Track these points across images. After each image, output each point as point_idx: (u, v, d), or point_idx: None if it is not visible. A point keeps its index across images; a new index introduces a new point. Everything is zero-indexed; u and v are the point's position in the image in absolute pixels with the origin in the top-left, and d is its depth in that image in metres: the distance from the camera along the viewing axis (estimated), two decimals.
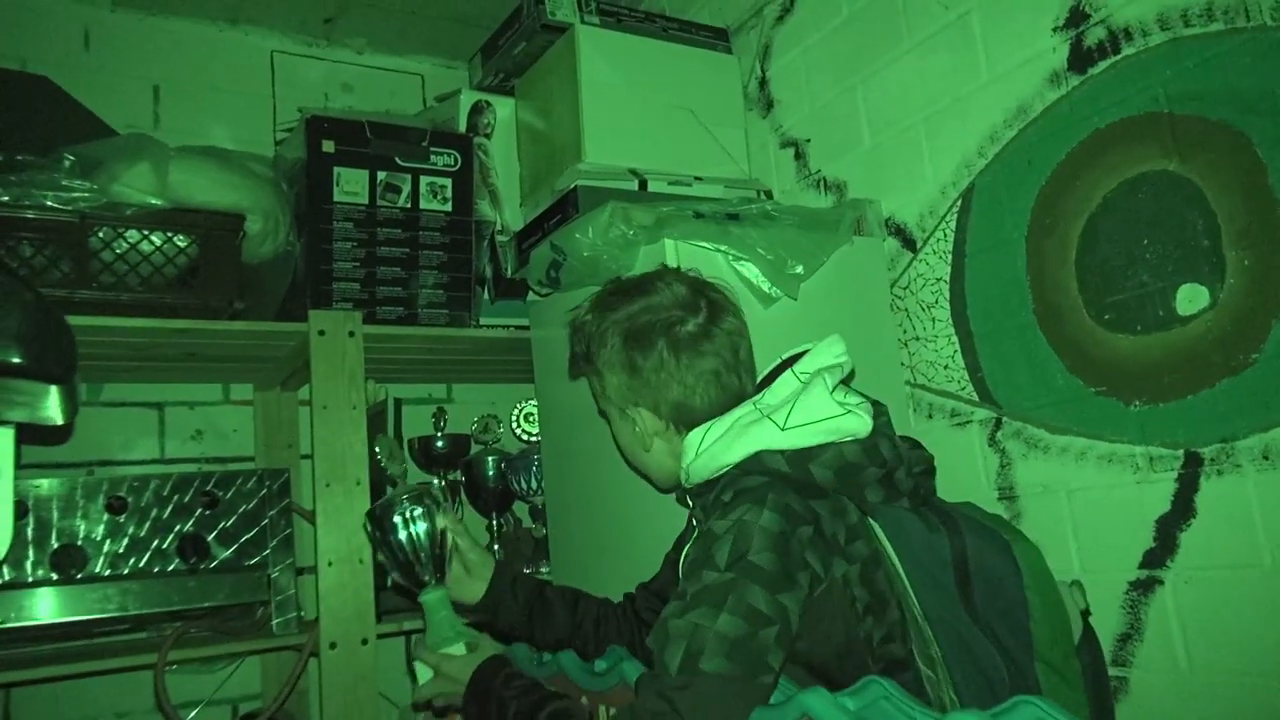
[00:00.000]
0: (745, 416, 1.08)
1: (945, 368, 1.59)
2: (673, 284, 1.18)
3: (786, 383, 1.10)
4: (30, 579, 1.45)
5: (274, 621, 1.61)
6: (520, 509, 2.09)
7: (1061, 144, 1.42)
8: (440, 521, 1.26)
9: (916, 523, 1.06)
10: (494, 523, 1.99)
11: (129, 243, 1.54)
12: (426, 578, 1.26)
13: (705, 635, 0.90)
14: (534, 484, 1.89)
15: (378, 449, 1.42)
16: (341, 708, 1.56)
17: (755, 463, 1.04)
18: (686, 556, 1.01)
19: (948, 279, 1.59)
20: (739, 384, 1.16)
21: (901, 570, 1.03)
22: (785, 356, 1.17)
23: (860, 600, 1.00)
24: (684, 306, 1.16)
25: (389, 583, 1.59)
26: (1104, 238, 1.37)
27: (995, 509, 1.46)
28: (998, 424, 1.51)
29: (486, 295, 2.00)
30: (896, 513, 1.06)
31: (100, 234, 1.51)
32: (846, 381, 1.14)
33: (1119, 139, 1.35)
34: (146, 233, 1.55)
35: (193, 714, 1.94)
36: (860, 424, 1.04)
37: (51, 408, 0.79)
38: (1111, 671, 1.32)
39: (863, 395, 1.10)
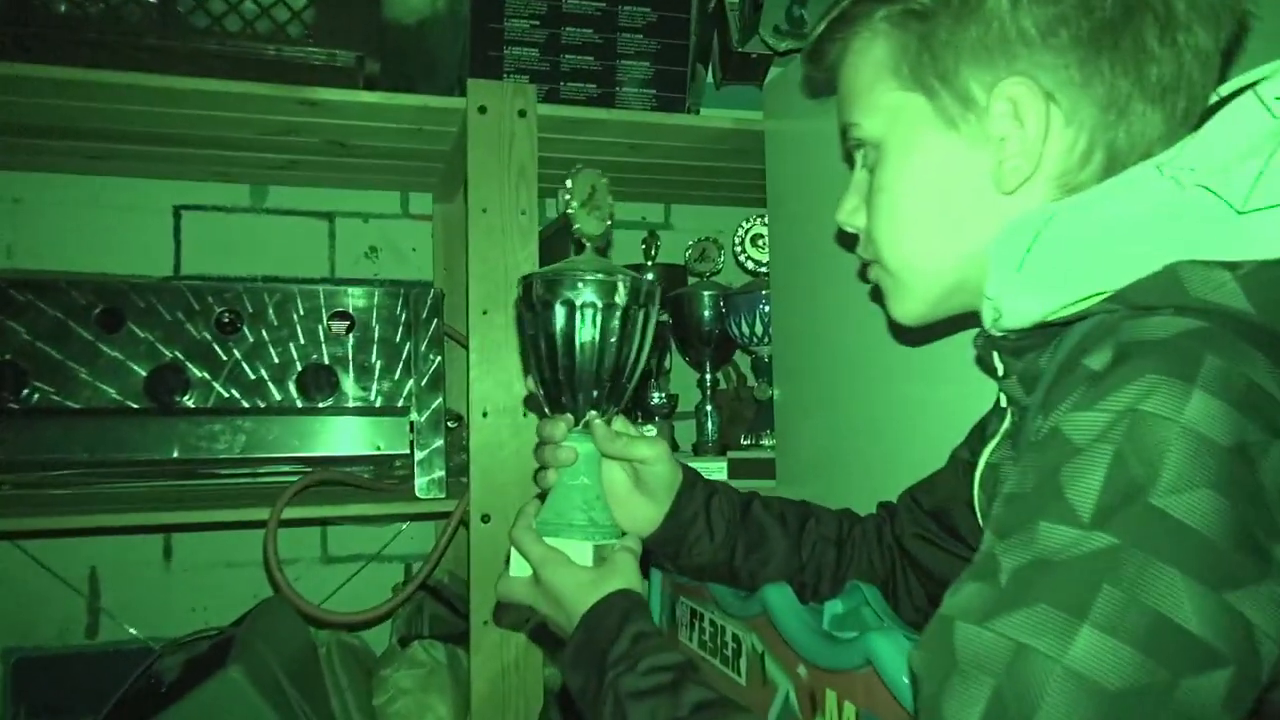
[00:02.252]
0: (1144, 185, 0.53)
1: None
2: None
3: (1238, 119, 0.52)
4: (123, 404, 1.18)
5: (417, 481, 1.26)
6: (742, 361, 1.64)
7: None
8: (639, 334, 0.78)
9: None
10: (708, 377, 1.55)
11: None
12: (582, 407, 0.79)
13: (1045, 679, 0.39)
14: (759, 329, 1.41)
15: (569, 185, 0.81)
16: (491, 594, 1.21)
17: (1170, 286, 0.49)
18: (1002, 478, 0.52)
19: None
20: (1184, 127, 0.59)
21: None
22: (1225, 91, 0.61)
23: None
24: None
25: (524, 390, 1.16)
26: None
27: None
28: None
29: (711, 78, 1.50)
30: None
31: None
32: None
33: None
34: None
35: (359, 570, 1.70)
36: None
37: None
38: None
39: None
